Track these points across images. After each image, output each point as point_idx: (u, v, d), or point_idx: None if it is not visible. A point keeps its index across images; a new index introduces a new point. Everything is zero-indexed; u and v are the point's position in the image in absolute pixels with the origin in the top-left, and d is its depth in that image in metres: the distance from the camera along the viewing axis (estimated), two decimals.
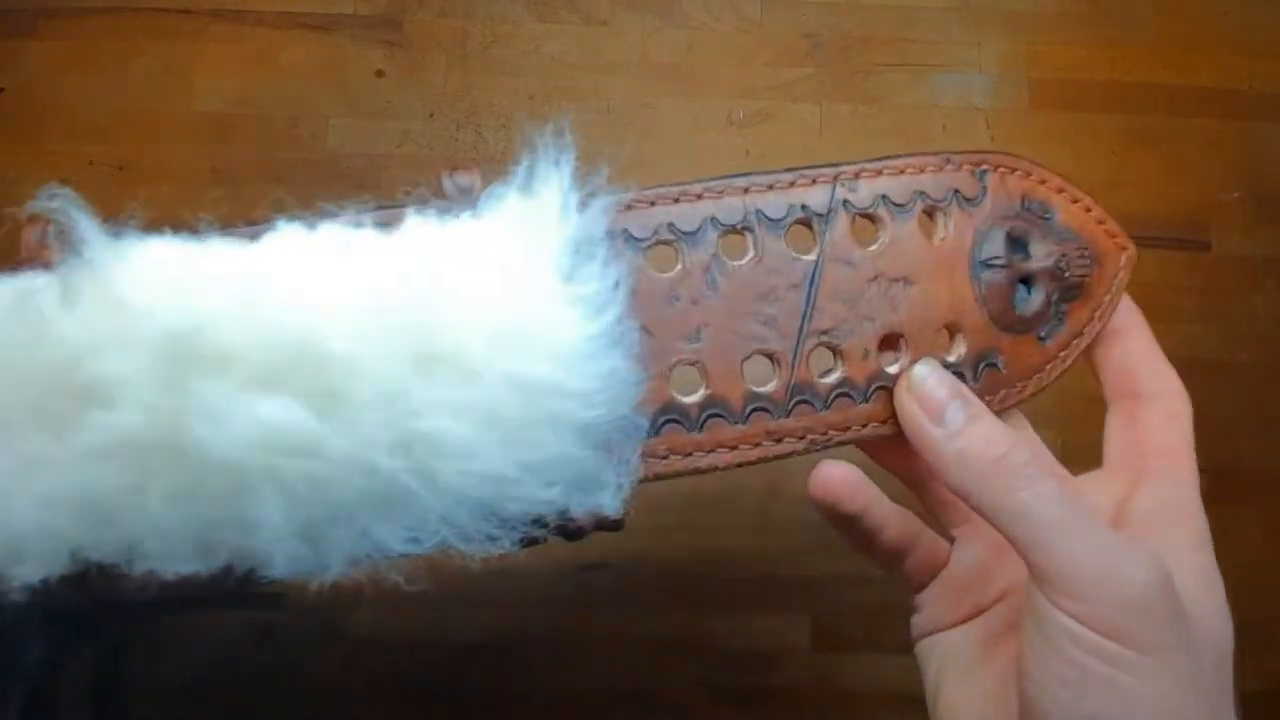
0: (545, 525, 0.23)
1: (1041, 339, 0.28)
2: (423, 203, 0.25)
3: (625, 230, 0.26)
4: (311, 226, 0.25)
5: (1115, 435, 0.29)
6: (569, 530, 0.24)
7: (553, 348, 0.22)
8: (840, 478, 0.28)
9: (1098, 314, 0.29)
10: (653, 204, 0.26)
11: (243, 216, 0.52)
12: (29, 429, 0.19)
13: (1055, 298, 0.28)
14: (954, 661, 0.29)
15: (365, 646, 0.48)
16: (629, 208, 0.26)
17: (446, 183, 0.26)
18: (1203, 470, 0.51)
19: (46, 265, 0.23)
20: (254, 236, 0.26)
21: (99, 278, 0.22)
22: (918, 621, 0.30)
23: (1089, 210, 0.30)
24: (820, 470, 0.28)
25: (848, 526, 0.29)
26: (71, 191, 0.22)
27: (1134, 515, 0.27)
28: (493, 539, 0.22)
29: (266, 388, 0.20)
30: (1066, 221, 0.29)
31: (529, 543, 0.23)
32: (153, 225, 0.52)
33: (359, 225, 0.24)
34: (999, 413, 0.27)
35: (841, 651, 0.48)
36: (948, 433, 0.25)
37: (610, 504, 0.24)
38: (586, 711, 0.47)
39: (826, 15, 0.55)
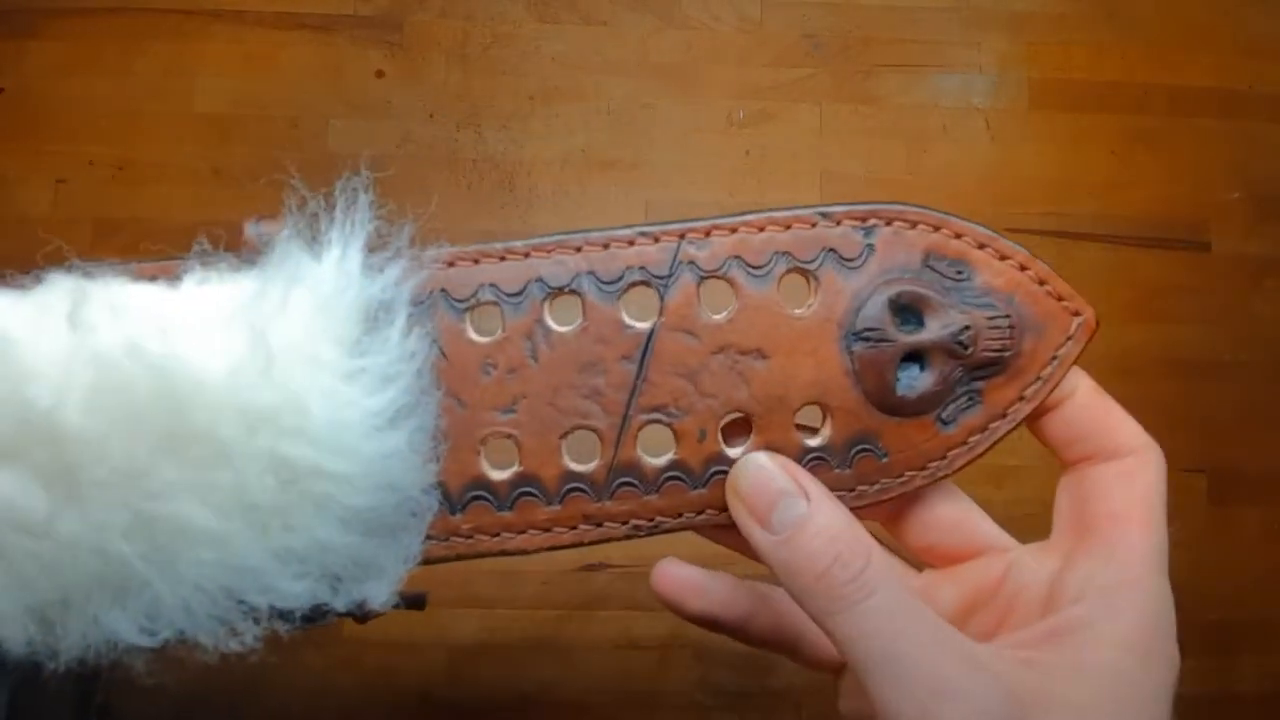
0: (292, 619, 0.21)
1: (944, 422, 0.24)
2: (210, 255, 0.22)
3: (444, 290, 0.23)
4: (87, 277, 0.21)
5: (1060, 502, 0.25)
6: (350, 615, 0.22)
7: (316, 427, 0.20)
8: (677, 579, 0.25)
9: (1028, 393, 0.24)
10: (476, 261, 0.24)
11: (242, 217, 0.52)
12: None
13: (960, 375, 0.23)
14: None
15: (364, 646, 0.48)
16: (451, 264, 0.24)
17: (250, 230, 0.23)
18: (1203, 470, 0.52)
19: None
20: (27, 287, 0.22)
21: None
22: (843, 710, 0.28)
23: (1024, 269, 0.25)
24: (657, 570, 0.25)
25: (704, 625, 0.26)
26: None
27: (1064, 592, 0.23)
28: (235, 633, 0.20)
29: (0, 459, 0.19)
30: (990, 283, 0.24)
31: (297, 625, 0.21)
32: (153, 225, 0.52)
33: (125, 279, 0.21)
34: (877, 505, 0.24)
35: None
36: (773, 540, 0.22)
37: (379, 594, 0.21)
38: (587, 711, 0.47)
39: (826, 16, 0.55)
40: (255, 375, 0.19)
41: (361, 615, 0.22)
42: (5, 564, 0.19)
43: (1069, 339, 0.25)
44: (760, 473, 0.22)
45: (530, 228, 0.52)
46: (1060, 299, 0.25)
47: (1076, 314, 0.25)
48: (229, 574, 0.20)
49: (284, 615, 0.21)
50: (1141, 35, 0.55)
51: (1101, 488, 0.24)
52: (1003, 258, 0.25)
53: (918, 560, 0.27)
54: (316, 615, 0.21)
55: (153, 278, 0.22)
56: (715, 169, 0.53)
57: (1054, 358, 0.24)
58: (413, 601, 0.23)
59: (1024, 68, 0.55)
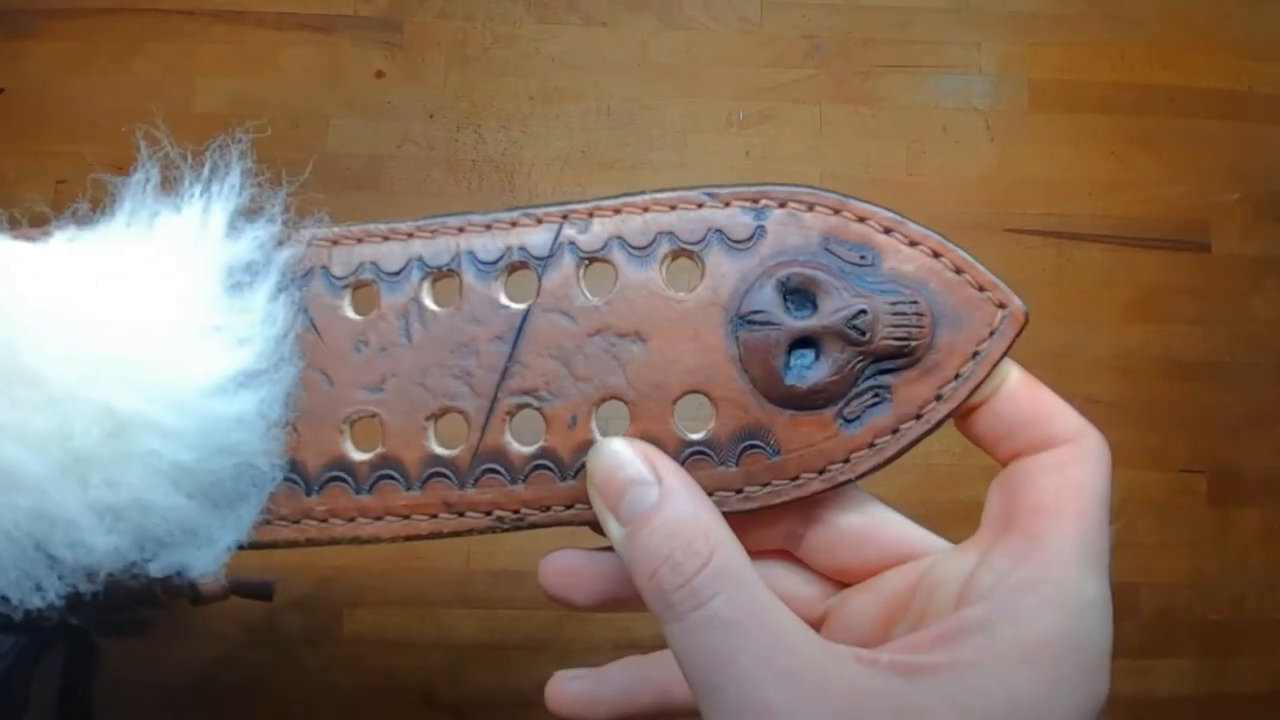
0: (96, 578, 0.19)
1: (846, 420, 0.22)
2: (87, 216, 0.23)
3: (324, 268, 0.23)
4: None
5: (990, 500, 0.23)
6: (180, 593, 0.21)
7: (150, 380, 0.19)
8: (564, 568, 0.23)
9: (945, 391, 0.22)
10: (359, 241, 0.24)
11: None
12: None
13: (861, 368, 0.22)
14: None
15: (364, 646, 0.48)
16: (335, 243, 0.24)
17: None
18: (1203, 470, 0.52)
19: None
20: None
21: None
22: None
23: (936, 255, 0.22)
24: (544, 563, 0.23)
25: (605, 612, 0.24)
26: None
27: (971, 592, 0.20)
28: (39, 589, 0.19)
29: None
30: (897, 269, 0.22)
31: (104, 591, 0.20)
32: None
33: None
34: (769, 510, 0.22)
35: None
36: (620, 533, 0.20)
37: (201, 564, 0.20)
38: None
39: (826, 16, 0.55)
40: (93, 323, 0.19)
41: (193, 595, 0.21)
42: None
43: (992, 333, 0.22)
44: (613, 458, 0.20)
45: None
46: (981, 289, 0.23)
47: (1001, 305, 0.23)
48: (40, 523, 0.19)
49: (90, 574, 0.19)
50: (1141, 35, 0.55)
51: (1029, 480, 0.21)
52: (912, 243, 0.22)
53: (834, 587, 0.24)
54: (133, 581, 0.20)
55: (29, 237, 0.22)
56: (715, 169, 0.53)
57: (975, 353, 0.22)
58: (256, 590, 0.22)
59: (1024, 68, 0.55)
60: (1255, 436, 0.52)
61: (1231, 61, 0.55)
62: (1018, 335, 0.22)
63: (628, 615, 0.48)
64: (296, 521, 0.22)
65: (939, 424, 0.22)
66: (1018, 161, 0.54)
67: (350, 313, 0.23)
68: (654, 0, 0.55)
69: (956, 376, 0.22)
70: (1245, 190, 0.54)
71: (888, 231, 0.22)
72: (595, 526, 0.21)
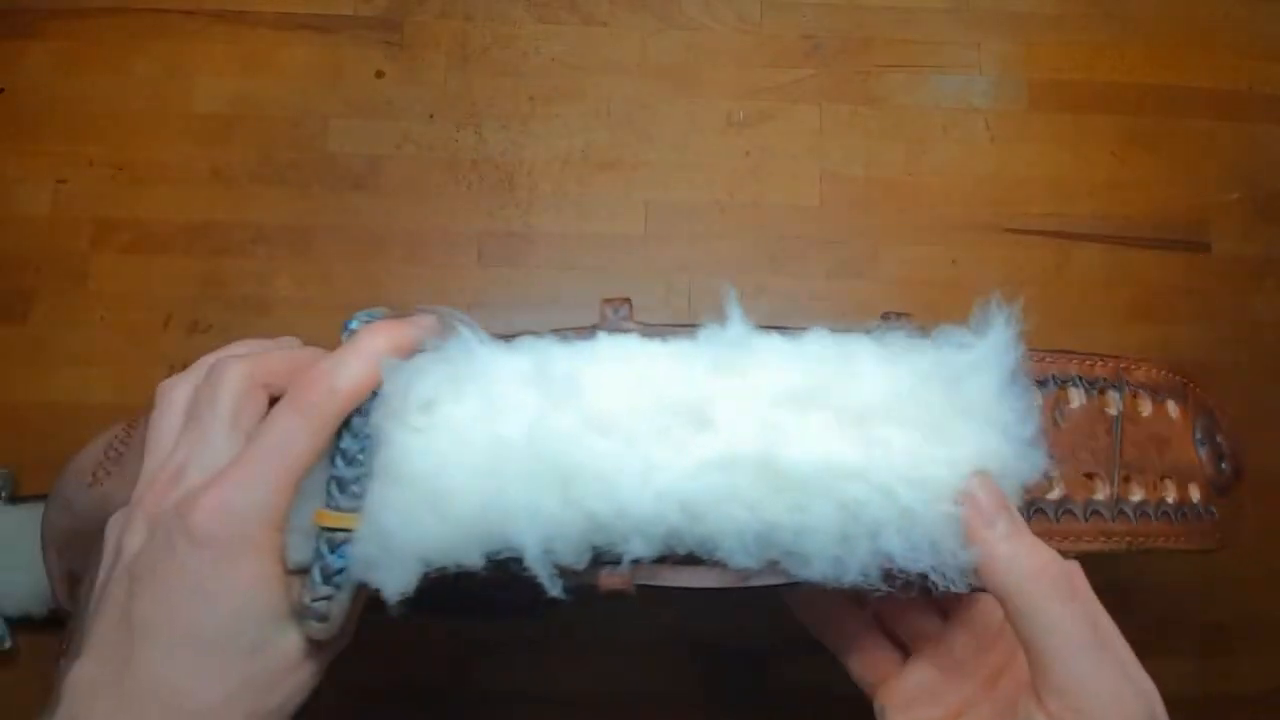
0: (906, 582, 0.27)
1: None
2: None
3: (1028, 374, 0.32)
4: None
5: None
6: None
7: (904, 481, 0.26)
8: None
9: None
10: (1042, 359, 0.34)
11: (242, 217, 0.52)
12: (653, 443, 0.26)
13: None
14: None
15: (364, 646, 0.48)
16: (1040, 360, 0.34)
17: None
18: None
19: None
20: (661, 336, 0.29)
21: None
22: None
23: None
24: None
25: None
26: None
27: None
28: (939, 570, 0.26)
29: (837, 428, 0.26)
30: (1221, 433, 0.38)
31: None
32: (153, 225, 0.52)
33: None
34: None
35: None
36: (997, 534, 0.26)
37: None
38: (586, 711, 0.47)
39: (826, 16, 0.55)
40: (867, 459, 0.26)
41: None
42: (832, 501, 0.26)
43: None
44: (987, 486, 0.27)
45: (530, 228, 0.52)
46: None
47: None
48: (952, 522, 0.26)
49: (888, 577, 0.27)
50: (1141, 35, 0.55)
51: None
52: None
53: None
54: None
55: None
56: (715, 169, 0.53)
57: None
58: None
59: (1024, 68, 0.55)
60: (1255, 436, 0.52)
61: (1231, 61, 0.55)
62: None
63: (628, 616, 0.48)
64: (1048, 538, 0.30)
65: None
66: (1018, 161, 0.54)
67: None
68: (654, 0, 0.55)
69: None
70: (1245, 190, 0.54)
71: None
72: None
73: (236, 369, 0.28)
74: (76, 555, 0.38)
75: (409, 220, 0.52)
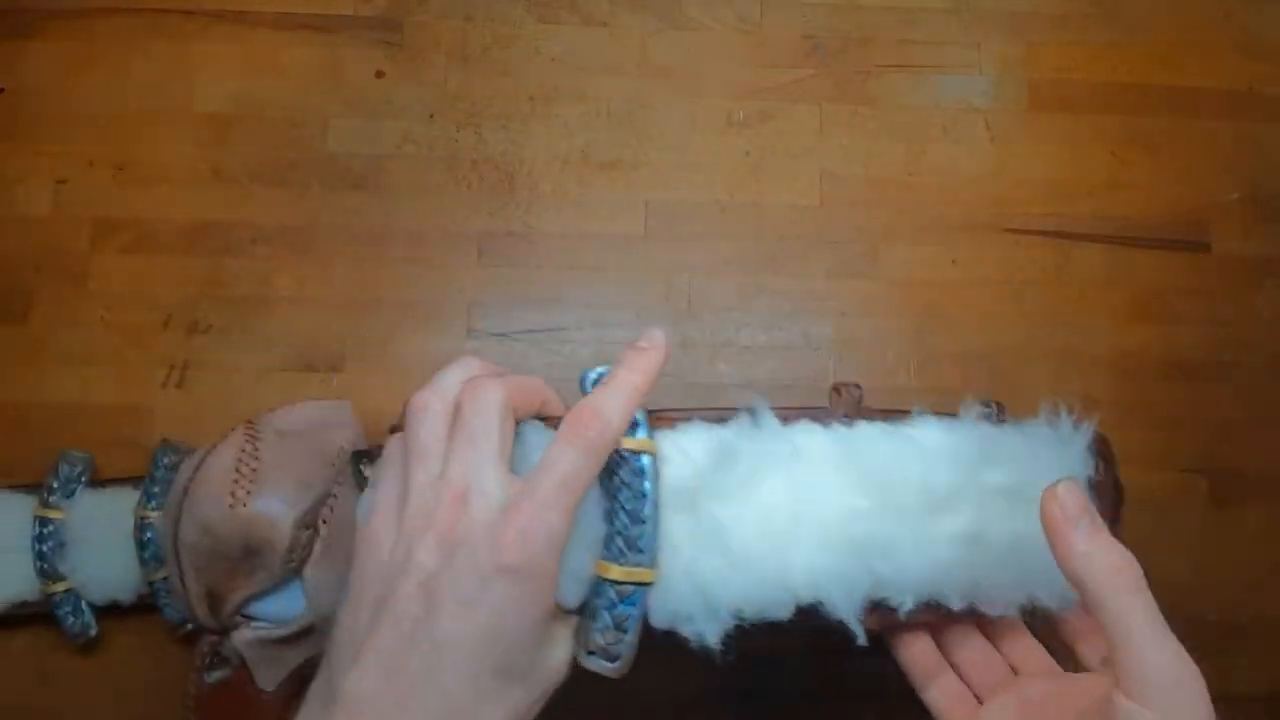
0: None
1: None
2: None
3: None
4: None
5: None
6: None
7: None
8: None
9: None
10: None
11: (242, 217, 0.52)
12: (920, 519, 0.32)
13: None
14: None
15: None
16: None
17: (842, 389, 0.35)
18: (1202, 470, 0.51)
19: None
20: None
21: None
22: None
23: None
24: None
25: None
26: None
27: None
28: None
29: (1024, 512, 0.31)
30: None
31: None
32: (153, 225, 0.52)
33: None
34: None
35: (841, 651, 0.48)
36: (1080, 533, 0.29)
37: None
38: (586, 711, 0.47)
39: (826, 16, 0.55)
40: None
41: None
42: (1015, 555, 0.32)
43: None
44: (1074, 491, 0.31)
45: (530, 228, 0.52)
46: None
47: None
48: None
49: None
50: (1141, 35, 0.55)
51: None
52: None
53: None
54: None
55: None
56: (715, 169, 0.53)
57: None
58: None
59: (1024, 68, 0.55)
60: (1256, 436, 0.52)
61: (1231, 61, 0.55)
62: None
63: None
64: None
65: None
66: (1018, 161, 0.54)
67: None
68: (654, 0, 0.55)
69: None
70: (1245, 190, 0.54)
71: None
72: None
73: (498, 394, 0.30)
74: (218, 575, 0.38)
75: (409, 220, 0.52)
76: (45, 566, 0.45)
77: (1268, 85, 0.55)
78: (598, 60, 0.54)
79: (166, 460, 0.45)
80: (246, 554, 0.38)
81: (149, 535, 0.44)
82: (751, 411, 0.33)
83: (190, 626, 0.44)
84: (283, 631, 0.39)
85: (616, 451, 0.30)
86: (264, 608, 0.39)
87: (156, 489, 0.45)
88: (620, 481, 0.30)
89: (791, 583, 0.31)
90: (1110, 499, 0.38)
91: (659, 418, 0.33)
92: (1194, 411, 0.52)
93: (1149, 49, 0.55)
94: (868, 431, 0.34)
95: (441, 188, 0.52)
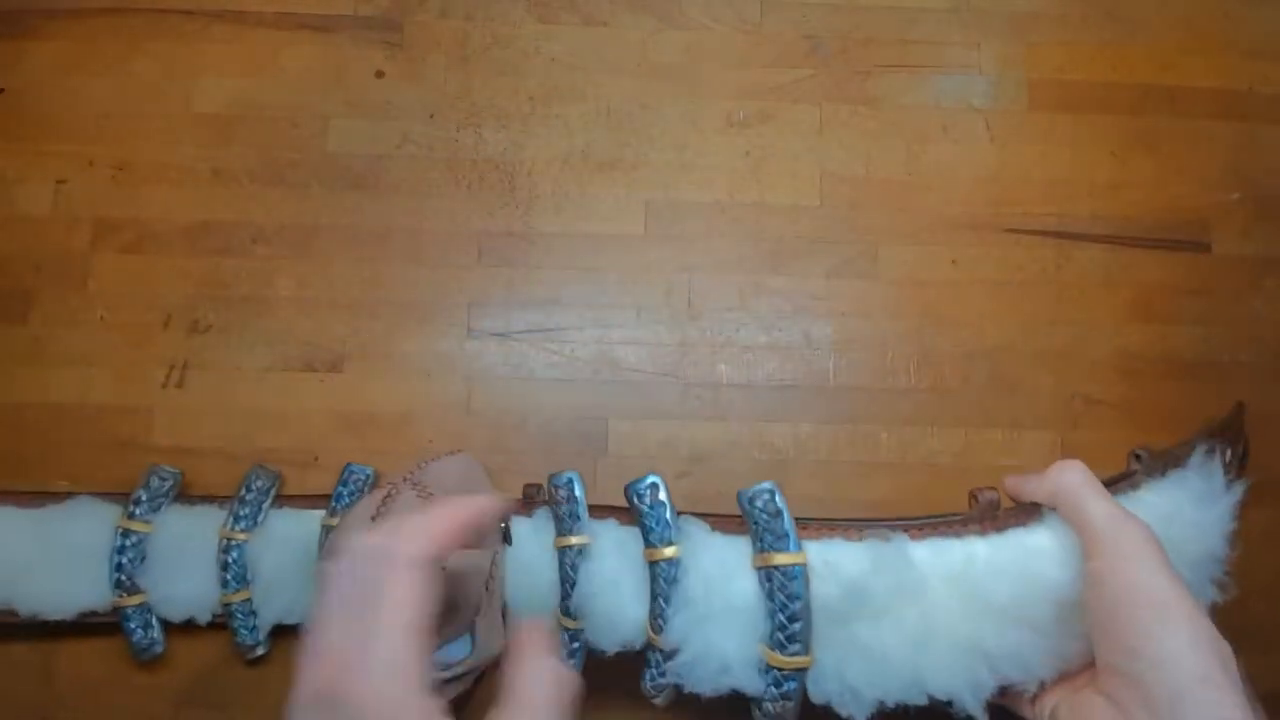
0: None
1: None
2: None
3: None
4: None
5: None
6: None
7: None
8: None
9: None
10: None
11: (242, 217, 0.52)
12: (1049, 628, 0.36)
13: None
14: None
15: None
16: None
17: (979, 496, 0.39)
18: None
19: None
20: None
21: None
22: None
23: None
24: None
25: None
26: None
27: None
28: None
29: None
30: None
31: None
32: (153, 225, 0.52)
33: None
34: None
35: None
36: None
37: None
38: (586, 712, 0.47)
39: (826, 16, 0.55)
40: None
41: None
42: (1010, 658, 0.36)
43: None
44: None
45: (530, 228, 0.52)
46: None
47: None
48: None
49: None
50: (1141, 35, 0.55)
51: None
52: None
53: None
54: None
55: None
56: (715, 169, 0.53)
57: None
58: None
59: (1024, 68, 0.55)
60: (1255, 436, 0.52)
61: (1231, 61, 0.55)
62: None
63: None
64: None
65: None
66: (1018, 161, 0.54)
67: None
68: (654, 0, 0.55)
69: None
70: (1245, 190, 0.54)
71: None
72: None
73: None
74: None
75: (409, 220, 0.52)
76: (124, 579, 0.44)
77: (1268, 85, 0.55)
78: (598, 60, 0.54)
79: (259, 483, 0.45)
80: (448, 607, 0.39)
81: (233, 557, 0.44)
82: (886, 538, 0.37)
83: (262, 651, 0.46)
84: (448, 674, 0.41)
85: (776, 566, 0.37)
86: (437, 653, 0.41)
87: (245, 511, 0.45)
88: (778, 587, 0.37)
89: (926, 685, 0.36)
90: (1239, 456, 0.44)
91: (805, 527, 0.39)
92: (1194, 411, 0.52)
93: (1149, 49, 0.55)
94: (996, 549, 0.37)
95: (441, 188, 0.52)
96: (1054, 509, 0.37)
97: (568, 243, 0.52)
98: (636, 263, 0.52)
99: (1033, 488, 0.37)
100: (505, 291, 0.51)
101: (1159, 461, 0.41)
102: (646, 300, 0.52)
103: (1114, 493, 0.37)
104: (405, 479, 0.42)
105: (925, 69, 0.54)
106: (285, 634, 0.46)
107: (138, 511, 0.45)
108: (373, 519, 0.40)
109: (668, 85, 0.54)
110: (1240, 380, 0.52)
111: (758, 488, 0.39)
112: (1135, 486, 0.39)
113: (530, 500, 0.45)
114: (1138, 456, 0.42)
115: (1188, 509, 0.38)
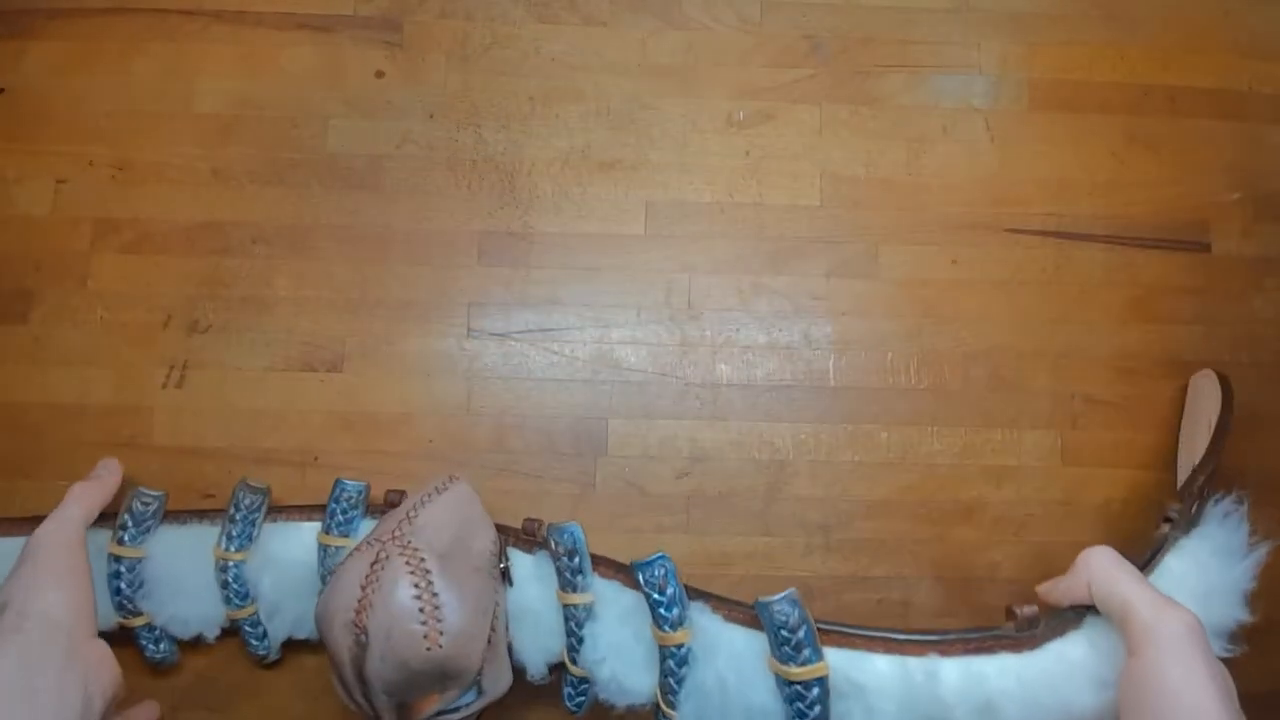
0: None
1: None
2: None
3: None
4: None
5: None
6: None
7: None
8: None
9: None
10: None
11: (242, 217, 0.52)
12: None
13: None
14: None
15: None
16: None
17: (1017, 612, 0.37)
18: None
19: None
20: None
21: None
22: None
23: None
24: None
25: None
26: None
27: None
28: None
29: None
30: None
31: None
32: (153, 225, 0.52)
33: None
34: None
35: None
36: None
37: None
38: (586, 713, 0.47)
39: (826, 16, 0.55)
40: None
41: None
42: None
43: None
44: None
45: (530, 228, 0.52)
46: None
47: None
48: None
49: None
50: (1141, 35, 0.55)
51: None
52: None
53: None
54: None
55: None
56: (715, 169, 0.53)
57: None
58: None
59: (1024, 68, 0.55)
60: (1255, 436, 0.52)
61: (1231, 61, 0.55)
62: None
63: None
64: None
65: None
66: (1018, 161, 0.54)
67: None
68: (654, 0, 0.55)
69: None
70: (1245, 190, 0.54)
71: None
72: None
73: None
74: (414, 695, 0.41)
75: (409, 220, 0.52)
76: (125, 603, 0.44)
77: (1268, 85, 0.55)
78: (598, 60, 0.54)
79: (246, 501, 0.45)
80: (444, 678, 0.40)
81: (232, 576, 0.44)
82: (926, 664, 0.37)
83: (275, 658, 0.47)
84: (458, 716, 0.42)
85: (795, 682, 0.37)
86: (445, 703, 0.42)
87: (236, 530, 0.45)
88: (796, 694, 0.38)
89: None
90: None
91: (827, 635, 0.38)
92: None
93: (1149, 49, 0.55)
94: (1029, 669, 0.37)
95: (441, 188, 0.52)
96: (1092, 604, 0.37)
97: (567, 243, 0.52)
98: (636, 263, 0.52)
99: (1066, 585, 0.37)
100: (505, 291, 0.51)
101: (1183, 521, 0.42)
102: (646, 300, 0.52)
103: (1146, 572, 0.38)
104: (394, 538, 0.40)
105: (925, 69, 0.54)
106: (288, 638, 0.47)
107: (126, 537, 0.44)
108: (362, 589, 0.39)
109: (668, 85, 0.54)
110: (1240, 380, 0.52)
111: (778, 602, 0.37)
112: (1162, 553, 0.41)
113: (531, 535, 0.45)
114: (1169, 520, 0.42)
115: (1214, 575, 0.40)
